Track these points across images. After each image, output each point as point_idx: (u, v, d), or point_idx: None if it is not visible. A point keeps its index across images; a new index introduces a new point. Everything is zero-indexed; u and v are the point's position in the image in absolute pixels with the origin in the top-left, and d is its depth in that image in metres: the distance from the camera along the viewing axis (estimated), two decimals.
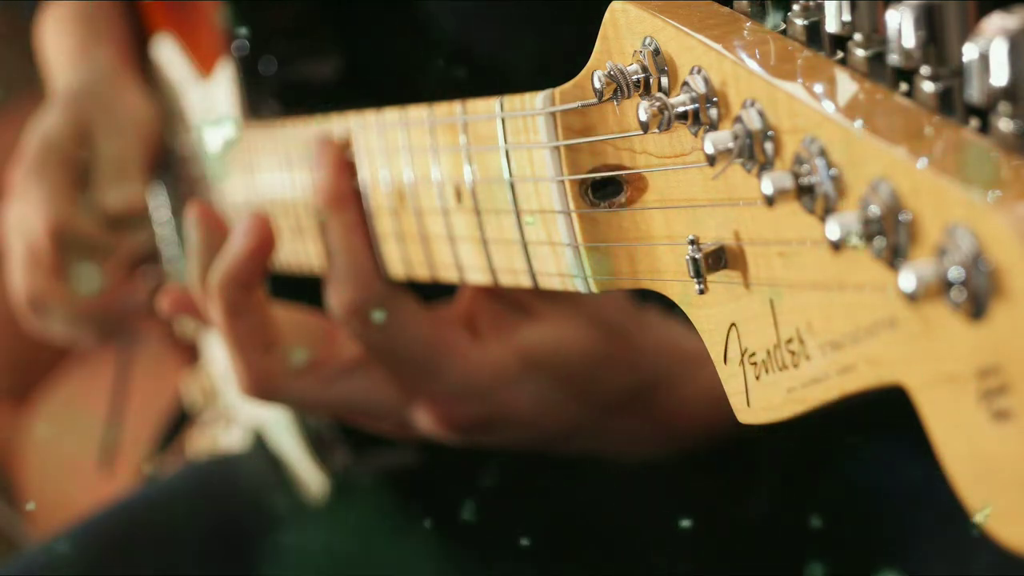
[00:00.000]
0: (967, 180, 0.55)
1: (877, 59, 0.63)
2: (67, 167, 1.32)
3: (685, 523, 1.11)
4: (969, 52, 0.57)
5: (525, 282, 0.87)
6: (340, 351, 1.01)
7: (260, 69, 1.21)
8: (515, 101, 0.83)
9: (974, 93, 0.57)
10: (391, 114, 0.95)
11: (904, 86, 0.62)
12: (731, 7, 0.71)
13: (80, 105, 1.34)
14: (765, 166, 0.65)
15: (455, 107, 0.89)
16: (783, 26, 0.68)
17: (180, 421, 1.53)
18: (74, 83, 1.37)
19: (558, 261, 0.83)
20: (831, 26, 0.65)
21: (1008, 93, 0.56)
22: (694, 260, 0.71)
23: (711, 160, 0.66)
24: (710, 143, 0.66)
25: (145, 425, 1.57)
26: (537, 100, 0.80)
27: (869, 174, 0.59)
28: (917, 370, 0.59)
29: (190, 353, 1.51)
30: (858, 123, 0.60)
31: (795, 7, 0.67)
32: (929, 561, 1.08)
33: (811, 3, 0.67)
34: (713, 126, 0.68)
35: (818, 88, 0.63)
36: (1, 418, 2.21)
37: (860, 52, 0.63)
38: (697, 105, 0.69)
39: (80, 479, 1.77)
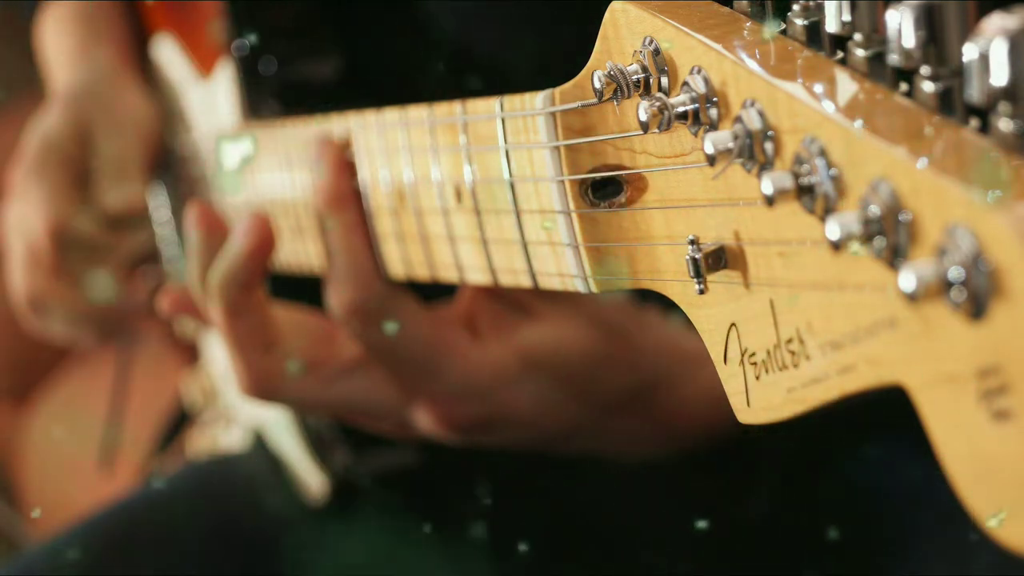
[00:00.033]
0: (967, 180, 0.55)
1: (877, 59, 0.63)
2: (67, 167, 1.32)
3: (701, 524, 1.11)
4: (969, 52, 0.57)
5: (525, 282, 0.87)
6: (340, 351, 1.01)
7: (260, 69, 1.21)
8: (515, 101, 0.83)
9: (974, 93, 0.57)
10: (391, 114, 0.95)
11: (904, 86, 0.62)
12: (731, 7, 0.71)
13: (80, 105, 1.34)
14: (765, 166, 0.65)
15: (455, 107, 0.89)
16: (783, 26, 0.68)
17: (180, 421, 1.53)
18: (74, 83, 1.37)
19: (558, 261, 0.83)
20: (831, 26, 0.65)
21: (1008, 93, 0.56)
22: (694, 260, 0.71)
23: (711, 160, 0.66)
24: (710, 143, 0.66)
25: (145, 425, 1.57)
26: (537, 100, 0.80)
27: (869, 174, 0.59)
28: (917, 370, 0.59)
29: (190, 353, 1.51)
30: (858, 123, 0.60)
31: (795, 7, 0.67)
32: (929, 561, 1.08)
33: (811, 3, 0.67)
34: (713, 126, 0.68)
35: (818, 88, 0.63)
36: (1, 418, 2.21)
37: (860, 52, 0.63)
38: (697, 105, 0.69)
39: (80, 479, 1.77)
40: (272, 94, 1.21)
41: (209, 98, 1.29)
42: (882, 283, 0.60)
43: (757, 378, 0.70)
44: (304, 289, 1.07)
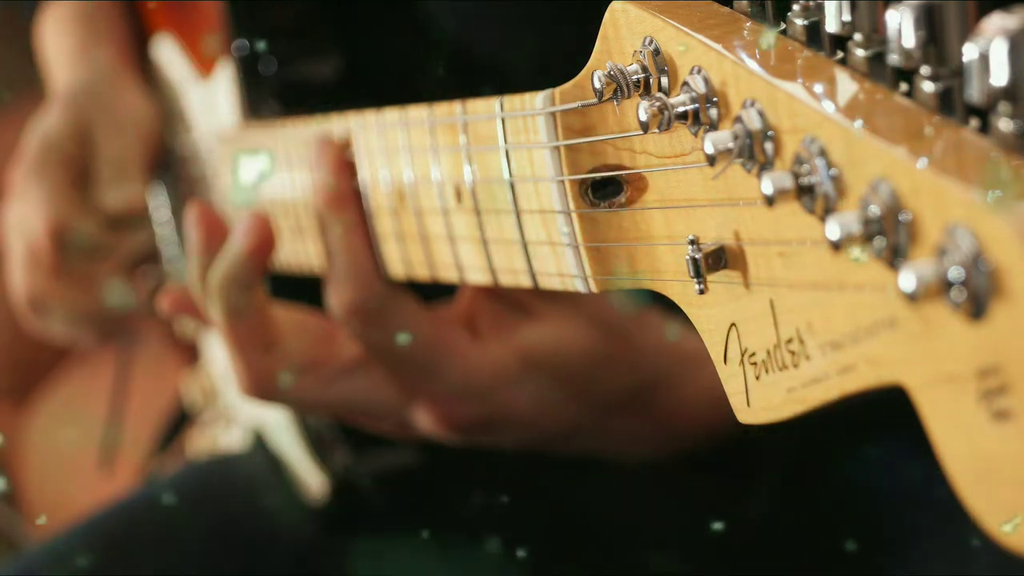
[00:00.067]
0: (967, 180, 0.55)
1: (877, 59, 0.63)
2: (67, 167, 1.32)
3: (717, 526, 1.10)
4: (969, 52, 0.57)
5: (525, 282, 0.86)
6: (340, 351, 1.01)
7: (260, 69, 1.21)
8: (515, 101, 0.83)
9: (974, 93, 0.57)
10: (391, 114, 0.95)
11: (904, 86, 0.62)
12: (731, 7, 0.71)
13: (80, 105, 1.34)
14: (765, 166, 0.65)
15: (455, 107, 0.89)
16: (783, 26, 0.68)
17: (180, 421, 1.53)
18: (74, 83, 1.37)
19: (558, 261, 0.83)
20: (831, 26, 0.65)
21: (1008, 93, 0.56)
22: (694, 260, 0.71)
23: (711, 160, 0.66)
24: (710, 143, 0.66)
25: (145, 425, 1.57)
26: (537, 100, 0.80)
27: (869, 174, 0.59)
28: (917, 370, 0.59)
29: (190, 353, 1.51)
30: (858, 123, 0.60)
31: (795, 7, 0.67)
32: (929, 561, 1.08)
33: (811, 3, 0.67)
34: (713, 126, 0.68)
35: (818, 88, 0.63)
36: (1, 418, 2.21)
37: (860, 52, 0.63)
38: (697, 105, 0.69)
39: (80, 479, 1.77)
40: (272, 94, 1.21)
41: (209, 98, 1.29)
42: (882, 283, 0.60)
43: (757, 378, 0.70)
44: (304, 289, 1.07)
